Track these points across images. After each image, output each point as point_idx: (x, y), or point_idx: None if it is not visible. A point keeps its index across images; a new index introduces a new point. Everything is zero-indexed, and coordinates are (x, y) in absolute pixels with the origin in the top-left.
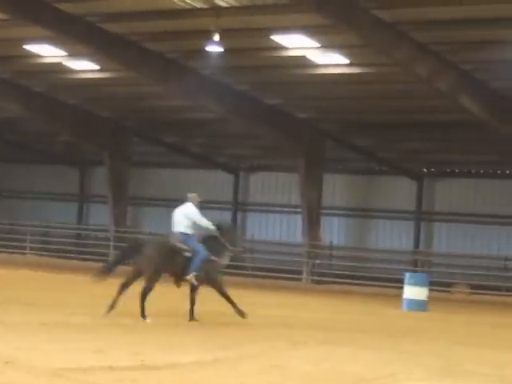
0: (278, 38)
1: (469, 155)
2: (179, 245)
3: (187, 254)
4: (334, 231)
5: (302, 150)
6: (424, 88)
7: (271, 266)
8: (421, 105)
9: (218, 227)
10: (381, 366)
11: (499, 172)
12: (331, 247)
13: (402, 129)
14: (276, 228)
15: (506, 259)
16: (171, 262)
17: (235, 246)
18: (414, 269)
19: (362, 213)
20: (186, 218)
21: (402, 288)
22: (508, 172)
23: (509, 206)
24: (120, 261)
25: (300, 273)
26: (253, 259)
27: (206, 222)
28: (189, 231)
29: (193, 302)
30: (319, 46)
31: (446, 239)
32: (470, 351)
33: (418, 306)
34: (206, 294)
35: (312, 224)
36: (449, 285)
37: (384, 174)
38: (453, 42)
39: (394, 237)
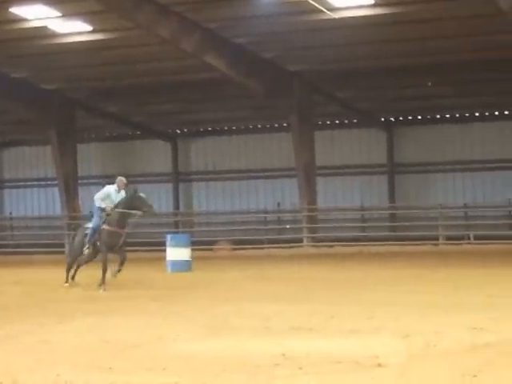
0: (18, 10)
1: (220, 112)
2: None
3: None
4: (93, 200)
5: (53, 122)
6: (170, 49)
7: (33, 242)
8: (168, 66)
9: None
10: (148, 330)
11: (251, 127)
12: (91, 216)
13: (151, 91)
14: (34, 203)
15: (266, 212)
16: None
17: None
18: (176, 230)
19: None
20: None
21: (165, 251)
22: (260, 126)
23: (264, 160)
24: None
25: (62, 245)
26: (13, 236)
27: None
28: None
29: None
30: (60, 14)
31: (206, 198)
32: (236, 307)
33: (182, 266)
34: None
35: (70, 196)
36: (212, 243)
37: (138, 139)
38: (194, 1)
39: (153, 200)
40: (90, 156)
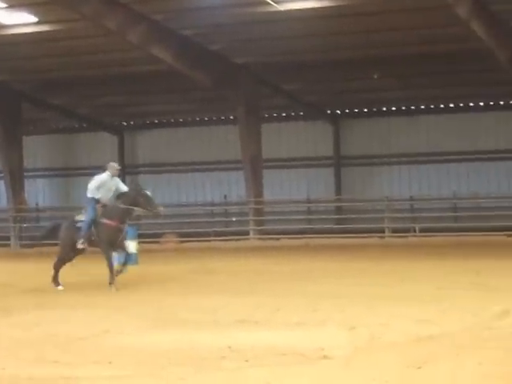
0: None
1: (167, 105)
2: None
3: None
4: (39, 193)
5: None
6: (116, 41)
7: None
8: (114, 58)
9: None
10: (94, 323)
11: (198, 119)
12: (37, 209)
13: (97, 83)
14: None
15: (213, 205)
16: None
17: None
18: None
19: (65, 172)
20: None
21: None
22: (207, 118)
23: (210, 152)
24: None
25: (8, 238)
26: None
27: None
28: None
29: None
30: (6, 6)
31: (153, 191)
32: (182, 300)
33: (128, 259)
34: None
35: (15, 188)
36: (158, 236)
37: (84, 131)
38: None
39: None
40: (35, 148)
